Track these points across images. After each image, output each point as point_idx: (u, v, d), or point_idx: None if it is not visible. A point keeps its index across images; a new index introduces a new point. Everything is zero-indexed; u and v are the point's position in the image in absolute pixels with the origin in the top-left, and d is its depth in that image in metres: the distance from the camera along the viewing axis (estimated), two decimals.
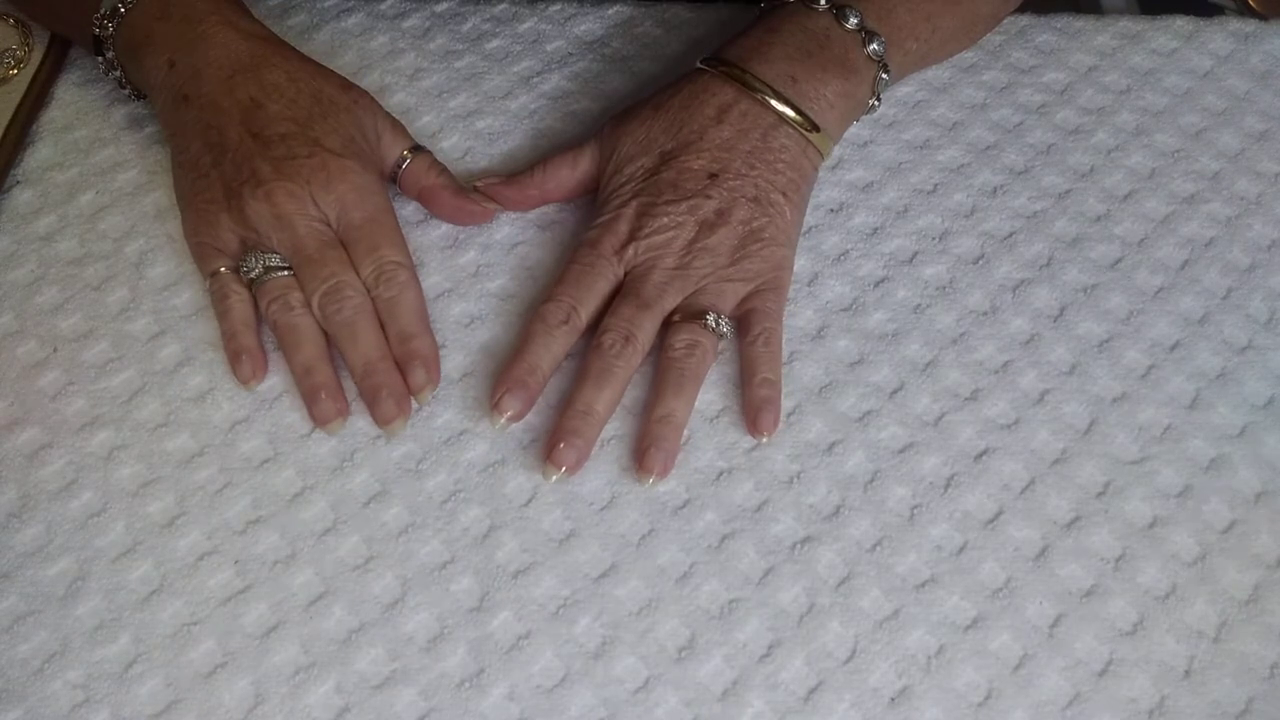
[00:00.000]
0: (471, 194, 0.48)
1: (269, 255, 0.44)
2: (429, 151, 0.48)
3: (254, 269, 0.44)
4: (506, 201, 0.48)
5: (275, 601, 0.39)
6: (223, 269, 0.44)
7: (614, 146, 0.47)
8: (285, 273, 0.44)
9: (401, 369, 0.43)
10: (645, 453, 0.41)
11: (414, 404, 0.43)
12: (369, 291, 0.44)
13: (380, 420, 0.42)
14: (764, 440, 0.42)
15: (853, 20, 0.46)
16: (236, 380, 0.43)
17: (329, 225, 0.44)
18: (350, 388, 0.43)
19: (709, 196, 0.44)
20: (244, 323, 0.44)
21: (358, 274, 0.44)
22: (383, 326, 0.44)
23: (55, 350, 0.45)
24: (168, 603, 0.39)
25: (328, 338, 0.44)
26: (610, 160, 0.47)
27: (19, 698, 0.37)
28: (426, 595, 0.39)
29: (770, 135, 0.45)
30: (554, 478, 0.41)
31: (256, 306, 0.44)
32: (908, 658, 0.38)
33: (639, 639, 0.38)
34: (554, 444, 0.41)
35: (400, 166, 0.47)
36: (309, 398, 0.42)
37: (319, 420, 0.42)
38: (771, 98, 0.45)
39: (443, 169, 0.48)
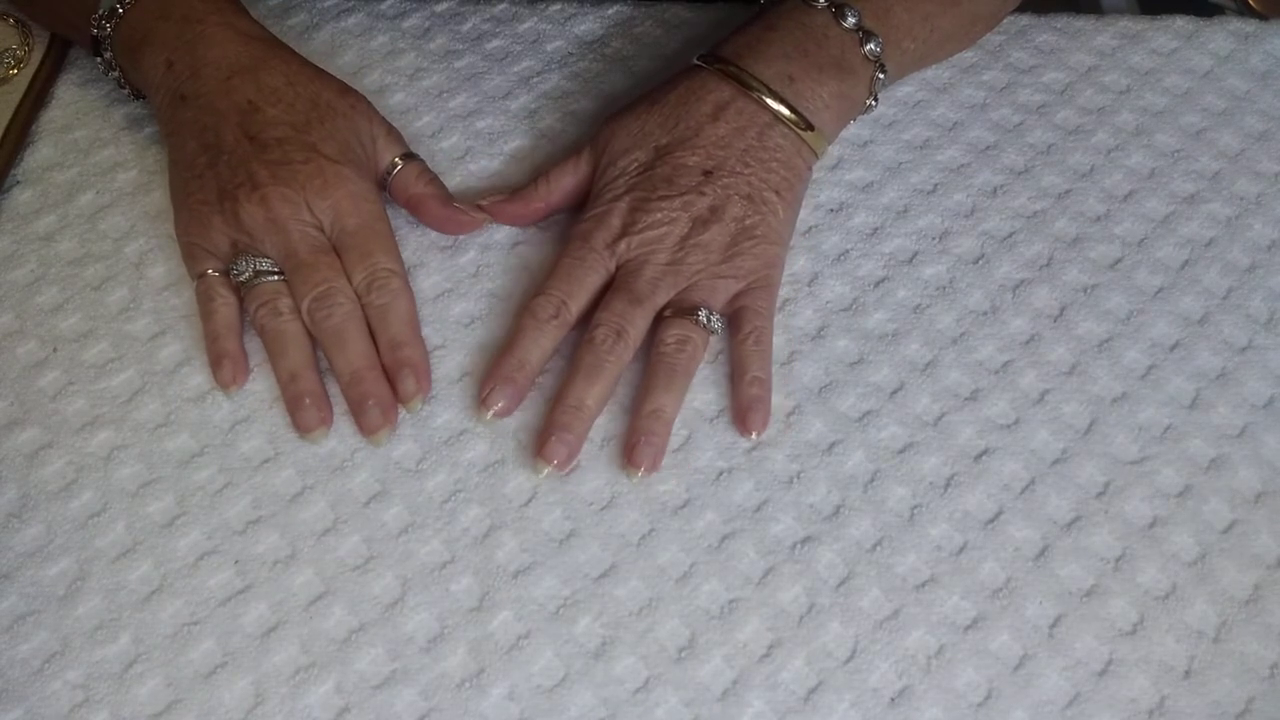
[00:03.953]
0: (464, 205, 0.47)
1: (260, 259, 0.43)
2: (420, 159, 0.48)
3: (244, 272, 0.43)
4: (512, 218, 0.48)
5: (275, 601, 0.39)
6: (210, 271, 0.44)
7: (609, 140, 0.47)
8: (275, 277, 0.44)
9: (390, 377, 0.43)
10: (634, 447, 0.41)
11: (402, 413, 0.43)
12: (361, 298, 0.44)
13: (365, 429, 0.42)
14: (753, 438, 0.42)
15: (851, 19, 0.46)
16: (216, 384, 0.43)
17: (322, 232, 0.44)
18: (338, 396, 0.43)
19: (703, 193, 0.44)
20: (227, 327, 0.44)
21: (349, 281, 0.44)
22: (373, 334, 0.43)
23: (55, 350, 0.45)
24: (168, 603, 0.39)
25: (316, 344, 0.44)
26: (604, 154, 0.47)
27: (19, 698, 0.37)
28: (426, 595, 0.39)
29: (765, 134, 0.45)
30: (544, 472, 0.41)
31: (242, 311, 0.44)
32: (908, 658, 0.38)
33: (639, 639, 0.38)
34: (544, 439, 0.41)
35: (390, 173, 0.47)
36: (292, 405, 0.42)
37: (302, 428, 0.42)
38: (768, 96, 0.45)
39: (432, 177, 0.48)
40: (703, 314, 0.43)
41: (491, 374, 0.42)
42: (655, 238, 0.44)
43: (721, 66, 0.46)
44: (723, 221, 0.44)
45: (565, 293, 0.43)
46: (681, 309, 0.43)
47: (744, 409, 0.42)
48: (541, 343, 0.43)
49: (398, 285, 0.44)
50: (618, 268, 0.44)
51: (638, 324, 0.43)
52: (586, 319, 0.44)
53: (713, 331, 0.43)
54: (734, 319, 0.44)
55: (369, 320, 0.44)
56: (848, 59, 0.47)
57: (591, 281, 0.44)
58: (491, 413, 0.42)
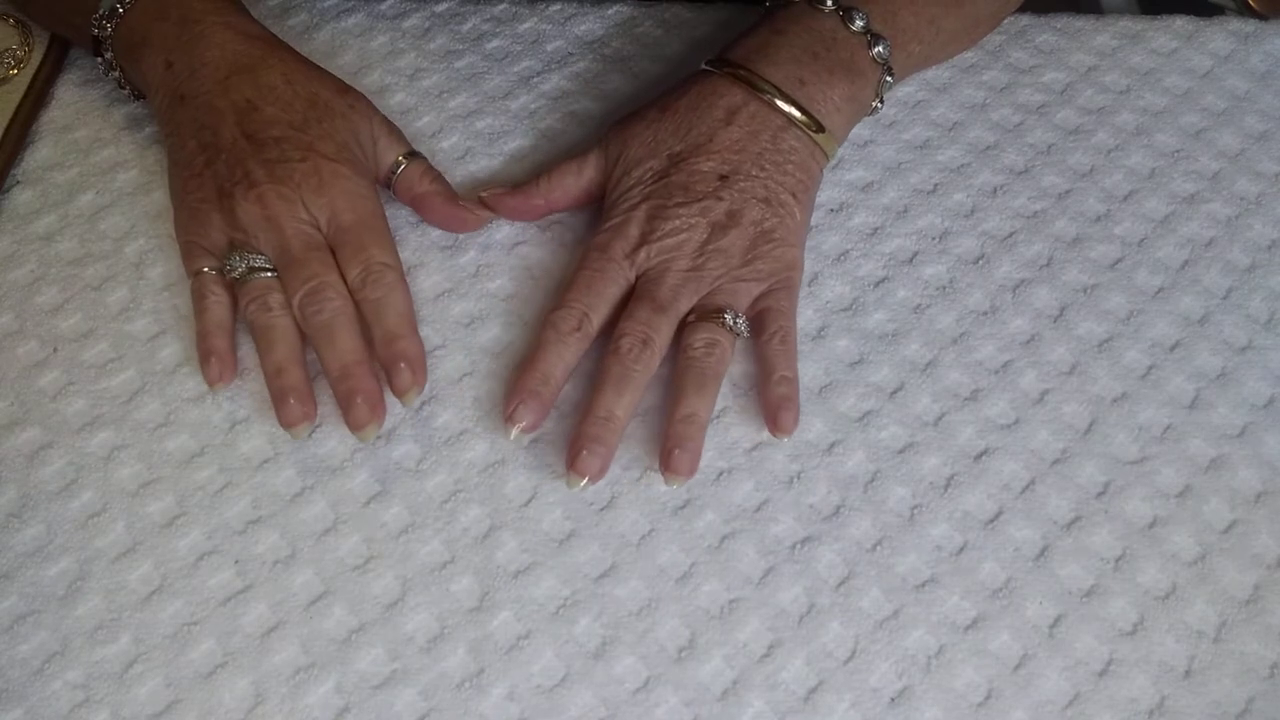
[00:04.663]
0: (468, 202, 0.47)
1: (254, 256, 0.43)
2: (423, 158, 0.48)
3: (238, 268, 0.43)
4: (511, 212, 0.48)
5: (275, 601, 0.39)
6: (206, 269, 0.44)
7: (620, 150, 0.46)
8: (269, 274, 0.43)
9: (386, 370, 0.42)
10: (670, 454, 0.40)
11: (402, 413, 0.42)
12: (356, 293, 0.43)
13: (353, 425, 0.41)
14: (784, 440, 0.42)
15: (859, 22, 0.46)
16: (204, 381, 0.43)
17: (318, 229, 0.44)
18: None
19: (720, 198, 0.44)
20: (218, 324, 0.44)
21: (344, 278, 0.43)
22: (369, 329, 0.43)
23: (55, 350, 0.45)
24: (168, 603, 0.39)
25: (307, 341, 0.43)
26: (617, 164, 0.47)
27: (19, 698, 0.37)
28: (426, 595, 0.39)
29: (779, 137, 0.45)
30: (580, 486, 0.40)
31: (236, 309, 0.44)
32: (908, 658, 0.38)
33: (639, 639, 0.38)
34: (576, 452, 0.40)
35: (394, 172, 0.47)
36: (277, 399, 0.42)
37: (285, 423, 0.42)
38: (780, 99, 0.45)
39: (436, 175, 0.48)
40: (728, 316, 0.43)
41: (516, 390, 0.42)
42: (674, 245, 0.44)
43: (731, 70, 0.46)
44: (741, 226, 0.44)
45: (587, 305, 0.43)
46: (706, 313, 0.43)
47: (774, 408, 0.42)
48: (565, 356, 0.42)
49: (393, 279, 0.43)
50: (637, 277, 0.44)
51: (663, 332, 0.42)
52: (607, 330, 0.44)
53: (739, 334, 0.43)
54: (757, 320, 0.44)
55: (364, 314, 0.43)
56: (856, 62, 0.47)
57: (612, 292, 0.44)
58: (518, 429, 0.41)
